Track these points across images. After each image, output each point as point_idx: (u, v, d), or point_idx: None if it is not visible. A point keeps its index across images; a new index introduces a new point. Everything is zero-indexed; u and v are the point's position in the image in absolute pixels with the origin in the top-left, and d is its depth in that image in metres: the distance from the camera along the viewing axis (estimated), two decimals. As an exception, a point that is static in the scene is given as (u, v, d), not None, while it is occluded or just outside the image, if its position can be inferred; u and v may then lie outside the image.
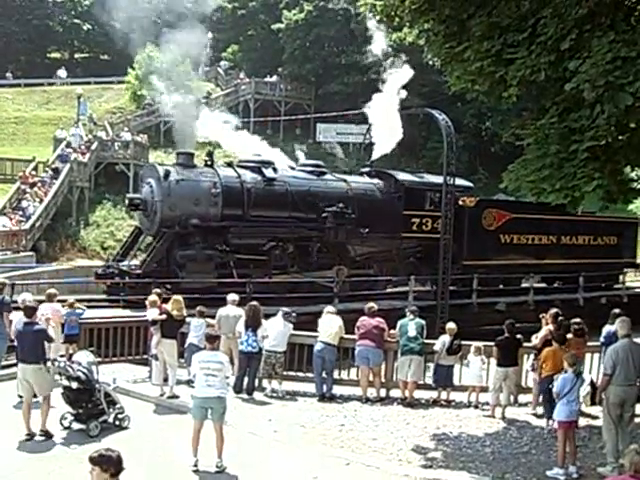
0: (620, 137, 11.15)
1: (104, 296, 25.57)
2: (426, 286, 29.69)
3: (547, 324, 16.18)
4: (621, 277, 38.22)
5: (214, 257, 25.67)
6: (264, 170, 27.90)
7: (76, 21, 73.51)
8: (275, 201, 27.57)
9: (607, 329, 16.22)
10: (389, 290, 30.15)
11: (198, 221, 25.47)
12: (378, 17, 15.05)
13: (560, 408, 12.15)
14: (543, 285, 34.36)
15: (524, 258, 33.50)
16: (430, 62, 31.44)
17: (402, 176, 31.76)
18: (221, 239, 26.02)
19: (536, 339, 16.09)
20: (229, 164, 28.61)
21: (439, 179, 32.01)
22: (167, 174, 25.49)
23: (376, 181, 31.16)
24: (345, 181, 30.24)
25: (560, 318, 16.19)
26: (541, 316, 16.79)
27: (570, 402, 12.04)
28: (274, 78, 60.27)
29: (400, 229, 30.28)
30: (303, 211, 28.21)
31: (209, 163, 27.34)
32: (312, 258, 28.37)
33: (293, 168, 30.35)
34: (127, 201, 27.40)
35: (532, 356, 16.18)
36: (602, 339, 16.32)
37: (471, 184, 32.89)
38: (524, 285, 33.80)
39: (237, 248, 26.23)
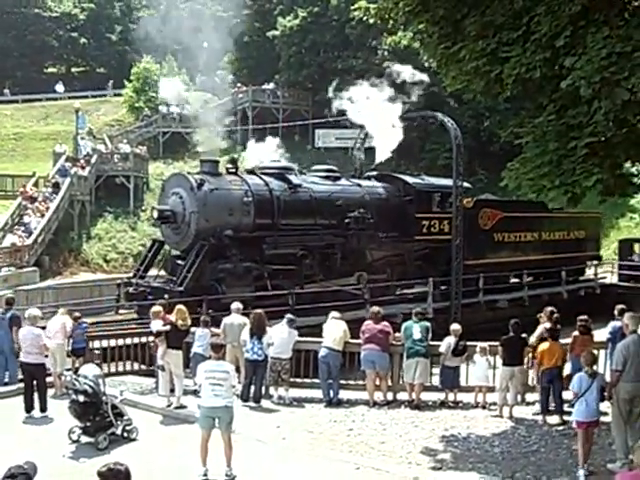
0: (619, 132, 11.13)
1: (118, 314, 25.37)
2: (427, 287, 29.50)
3: (543, 322, 16.28)
4: (589, 269, 40.07)
5: (252, 269, 24.75)
6: (289, 177, 27.30)
7: (72, 35, 73.67)
8: (302, 208, 26.94)
9: (613, 324, 16.19)
10: (411, 291, 30.18)
11: (231, 232, 24.45)
12: (372, 20, 15.07)
13: (578, 408, 12.07)
14: (516, 280, 35.10)
15: (513, 255, 34.34)
16: (426, 64, 31.43)
17: (411, 179, 31.78)
18: (256, 250, 25.13)
19: (533, 338, 16.20)
20: (251, 171, 27.61)
21: (440, 181, 32.35)
22: (201, 183, 24.39)
23: (386, 185, 31.02)
24: (360, 185, 29.95)
25: (555, 315, 16.29)
26: (538, 316, 16.84)
27: (588, 402, 11.92)
28: (271, 85, 60.29)
29: (413, 232, 30.26)
30: (327, 218, 27.68)
31: (232, 171, 26.37)
32: (336, 265, 27.83)
33: (303, 173, 29.86)
34: (155, 213, 25.48)
35: (530, 355, 16.21)
36: (608, 335, 16.32)
37: (469, 185, 32.91)
38: (514, 281, 34.83)
39: (271, 259, 25.37)
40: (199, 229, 24.21)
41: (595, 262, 40.20)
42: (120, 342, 19.09)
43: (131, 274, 27.59)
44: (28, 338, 15.21)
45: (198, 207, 24.18)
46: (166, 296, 22.28)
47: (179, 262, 24.94)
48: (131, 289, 25.08)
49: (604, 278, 39.33)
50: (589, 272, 40.05)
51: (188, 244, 24.54)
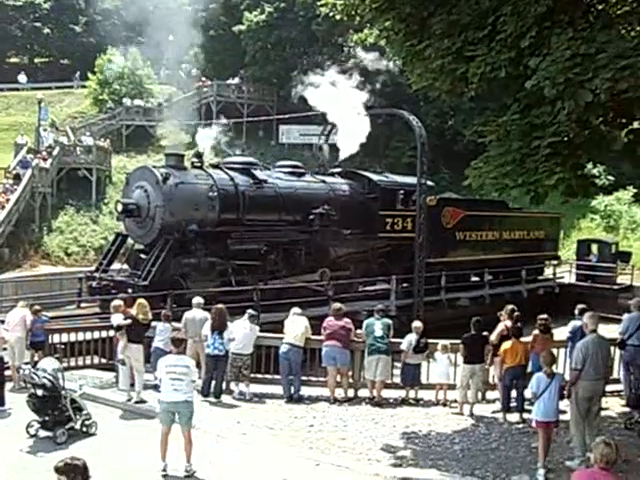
0: (582, 133, 11.22)
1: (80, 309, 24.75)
2: (390, 285, 29.53)
3: (504, 320, 16.34)
4: (548, 269, 40.67)
5: (217, 264, 24.54)
6: (254, 172, 27.07)
7: (36, 24, 72.69)
8: (267, 204, 26.69)
9: (573, 324, 16.35)
10: (373, 289, 30.31)
11: (196, 227, 24.07)
12: (339, 16, 15.06)
13: (537, 408, 12.14)
14: (476, 279, 35.42)
15: (475, 254, 34.69)
16: (391, 63, 31.29)
17: (376, 176, 31.81)
18: (221, 245, 24.86)
19: (494, 336, 16.27)
20: (216, 166, 27.31)
21: (404, 179, 32.39)
22: (166, 177, 23.92)
23: (350, 182, 30.95)
24: (324, 182, 29.77)
25: (516, 314, 16.38)
26: (499, 314, 16.90)
27: (546, 402, 11.96)
28: (236, 80, 59.98)
29: (377, 229, 30.23)
30: (291, 214, 27.47)
31: (197, 165, 26.00)
32: (300, 261, 27.61)
33: (267, 168, 29.54)
34: (119, 207, 24.78)
35: (490, 352, 16.28)
36: (568, 334, 16.47)
37: (433, 183, 33.00)
38: (474, 279, 35.06)
39: (235, 254, 25.11)
40: (164, 223, 23.85)
41: (554, 262, 40.63)
42: (83, 336, 18.90)
43: (93, 268, 27.22)
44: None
45: (163, 201, 23.82)
46: (130, 290, 22.02)
47: (142, 256, 24.61)
48: (94, 283, 24.63)
49: (562, 278, 39.77)
50: (547, 272, 40.52)
51: (152, 238, 24.18)
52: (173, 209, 23.96)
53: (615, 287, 37.29)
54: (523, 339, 15.75)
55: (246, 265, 25.47)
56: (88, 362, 18.75)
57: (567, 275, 40.11)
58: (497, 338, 15.89)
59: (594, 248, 40.13)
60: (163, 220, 23.86)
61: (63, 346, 18.22)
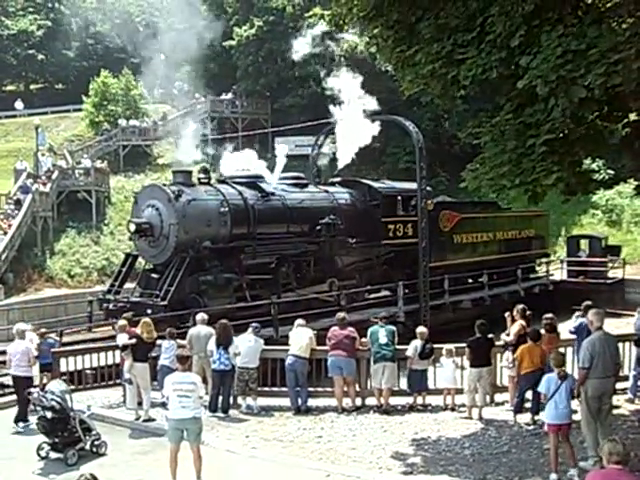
0: (577, 129, 11.19)
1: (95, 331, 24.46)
2: (398, 291, 29.45)
3: (514, 320, 16.24)
4: (539, 267, 40.88)
5: (232, 280, 24.35)
6: (262, 185, 27.00)
7: (30, 52, 72.90)
8: (275, 217, 26.63)
9: (578, 321, 16.28)
10: (377, 296, 30.44)
11: (210, 243, 24.09)
12: (327, 27, 15.06)
13: (548, 410, 12.03)
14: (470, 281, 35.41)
15: (472, 255, 34.86)
16: (383, 69, 31.22)
17: (376, 184, 31.89)
18: (235, 260, 24.77)
19: (507, 336, 16.16)
20: (223, 181, 27.11)
21: (402, 185, 32.49)
22: (179, 194, 23.74)
23: (351, 190, 30.95)
24: (327, 192, 29.79)
25: (528, 312, 16.30)
26: (507, 314, 16.82)
27: (558, 404, 11.81)
28: (229, 95, 60.12)
29: (380, 236, 30.24)
30: (299, 225, 27.41)
31: (205, 181, 25.87)
32: (310, 273, 27.60)
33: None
34: (132, 227, 24.36)
35: (508, 353, 16.15)
36: (572, 329, 16.46)
37: (430, 188, 32.95)
38: (470, 281, 35.10)
39: (248, 269, 25.06)
40: (178, 241, 23.66)
41: (544, 259, 40.80)
42: (95, 359, 18.90)
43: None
44: (18, 352, 15.38)
45: (177, 219, 23.62)
46: (149, 311, 21.86)
47: (154, 276, 24.42)
48: (111, 305, 24.19)
49: (552, 275, 39.75)
50: (539, 270, 40.66)
51: (167, 257, 23.95)
52: (187, 226, 23.78)
53: (608, 281, 37.57)
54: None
55: (259, 279, 25.47)
56: (95, 384, 18.79)
57: (559, 272, 40.11)
58: (515, 338, 15.78)
59: (583, 244, 40.32)
60: (177, 238, 23.67)
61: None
